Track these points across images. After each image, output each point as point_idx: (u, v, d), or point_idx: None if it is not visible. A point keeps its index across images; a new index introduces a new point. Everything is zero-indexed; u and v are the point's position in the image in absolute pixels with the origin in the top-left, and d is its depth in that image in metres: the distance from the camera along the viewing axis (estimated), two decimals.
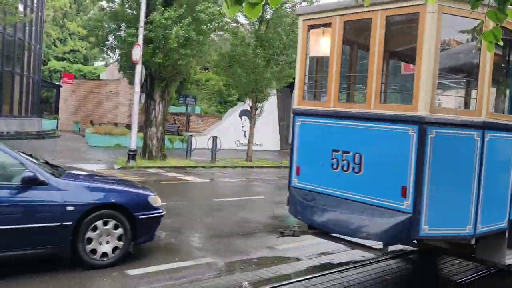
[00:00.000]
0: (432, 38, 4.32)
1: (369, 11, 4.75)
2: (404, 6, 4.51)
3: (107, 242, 5.52)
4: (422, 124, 4.33)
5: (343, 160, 4.94)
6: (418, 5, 4.36)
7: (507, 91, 5.76)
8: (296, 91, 5.65)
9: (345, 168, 4.93)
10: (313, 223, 5.20)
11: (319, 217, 5.07)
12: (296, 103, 5.62)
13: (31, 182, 5.10)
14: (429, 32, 4.31)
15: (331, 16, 5.21)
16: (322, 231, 5.30)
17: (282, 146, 29.85)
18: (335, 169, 5.04)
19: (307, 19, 5.54)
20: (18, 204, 5.13)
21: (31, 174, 5.10)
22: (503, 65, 5.45)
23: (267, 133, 28.17)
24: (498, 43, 2.81)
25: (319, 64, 5.87)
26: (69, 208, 5.23)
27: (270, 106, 25.22)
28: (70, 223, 5.22)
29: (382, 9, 4.66)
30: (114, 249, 5.56)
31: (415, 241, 5.60)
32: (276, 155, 25.63)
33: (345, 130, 4.98)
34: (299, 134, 5.54)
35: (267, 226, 8.45)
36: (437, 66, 4.39)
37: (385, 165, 4.60)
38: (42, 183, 5.16)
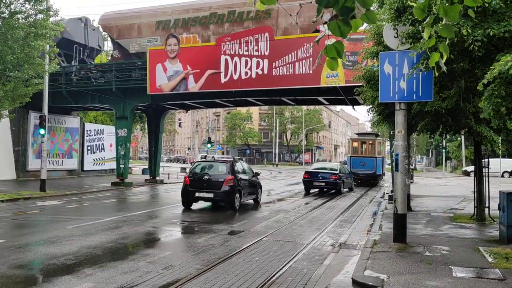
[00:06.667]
0: (378, 145, 29.32)
1: (365, 139, 29.76)
2: (371, 138, 29.67)
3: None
4: (375, 158, 29.13)
5: (363, 164, 29.34)
6: (373, 139, 29.51)
7: (378, 148, 31.10)
8: (350, 152, 30.11)
9: (364, 165, 29.32)
10: (357, 175, 29.48)
11: (359, 172, 29.38)
12: (350, 154, 30.09)
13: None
14: (377, 144, 29.37)
15: (356, 139, 30.25)
16: (358, 177, 29.60)
17: (19, 174, 26.40)
18: (360, 166, 29.36)
19: (351, 139, 30.39)
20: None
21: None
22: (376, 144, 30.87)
23: None
24: (342, 60, 2.67)
25: (353, 147, 30.55)
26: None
27: (2, 129, 22.98)
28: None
29: (367, 139, 29.77)
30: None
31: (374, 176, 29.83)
32: (12, 185, 22.30)
33: (361, 159, 29.53)
34: (351, 160, 29.82)
35: (16, 278, 6.43)
36: (377, 149, 29.38)
37: (376, 164, 29.23)
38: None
